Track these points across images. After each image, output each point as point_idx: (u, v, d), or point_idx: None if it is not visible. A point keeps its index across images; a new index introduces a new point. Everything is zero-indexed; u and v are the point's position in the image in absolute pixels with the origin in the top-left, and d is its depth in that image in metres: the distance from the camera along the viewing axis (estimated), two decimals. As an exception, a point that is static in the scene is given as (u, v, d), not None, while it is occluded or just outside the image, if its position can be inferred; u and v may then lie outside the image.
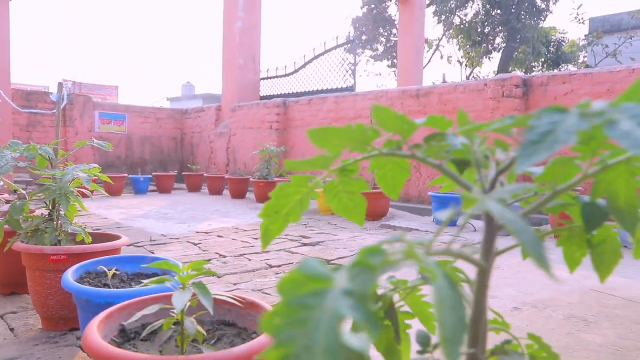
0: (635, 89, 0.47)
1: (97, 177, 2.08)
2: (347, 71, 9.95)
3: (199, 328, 1.07)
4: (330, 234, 4.51)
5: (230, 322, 1.31)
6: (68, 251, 1.91)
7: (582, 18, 16.83)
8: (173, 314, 1.12)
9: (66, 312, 1.96)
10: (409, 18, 14.39)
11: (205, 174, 9.07)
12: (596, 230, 0.70)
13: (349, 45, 9.88)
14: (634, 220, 0.66)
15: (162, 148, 11.84)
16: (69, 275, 1.62)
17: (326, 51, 10.24)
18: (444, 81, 20.36)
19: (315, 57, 10.47)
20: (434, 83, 16.50)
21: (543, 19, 19.85)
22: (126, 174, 8.95)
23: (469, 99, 6.62)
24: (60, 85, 2.48)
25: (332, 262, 3.41)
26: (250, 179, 7.62)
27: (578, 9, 15.38)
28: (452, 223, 5.21)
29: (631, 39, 15.03)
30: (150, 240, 4.12)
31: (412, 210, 6.25)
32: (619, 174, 0.65)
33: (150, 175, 9.21)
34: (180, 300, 1.04)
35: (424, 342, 0.72)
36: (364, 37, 25.29)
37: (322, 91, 10.24)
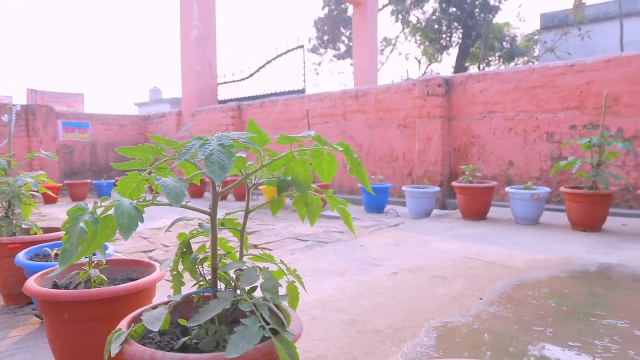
0: (250, 124, 1.05)
1: (44, 182, 2.60)
2: (298, 74, 10.51)
3: (102, 275, 1.63)
4: (268, 225, 5.09)
5: (134, 277, 1.87)
6: (21, 240, 2.43)
7: (523, 17, 17.75)
8: (85, 269, 1.67)
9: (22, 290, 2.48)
10: (362, 21, 15.06)
11: (165, 177, 9.51)
12: (285, 193, 1.27)
13: (298, 49, 10.44)
14: (306, 188, 1.24)
15: (125, 154, 12.21)
16: (21, 256, 2.15)
17: (277, 56, 10.80)
18: (408, 78, 21.08)
19: (268, 62, 11.01)
20: (392, 81, 17.18)
21: (493, 15, 20.57)
22: (90, 180, 9.35)
23: (400, 98, 7.26)
24: (10, 108, 2.99)
25: (259, 246, 3.99)
26: (207, 180, 8.11)
27: (519, 7, 16.31)
28: (380, 210, 5.85)
29: (566, 35, 15.96)
30: (105, 238, 4.62)
31: (353, 202, 6.87)
32: (298, 163, 1.23)
33: (113, 180, 9.63)
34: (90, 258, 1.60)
35: (194, 260, 1.29)
36: (325, 37, 25.93)
37: (276, 94, 10.79)
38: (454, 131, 6.77)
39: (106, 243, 2.06)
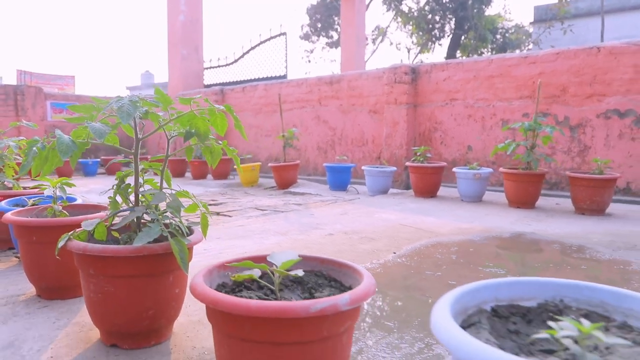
0: (156, 91, 1.48)
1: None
2: (280, 61, 10.90)
3: (64, 211, 2.07)
4: (236, 199, 5.53)
5: (93, 219, 2.31)
6: (3, 194, 2.86)
7: (509, 9, 18.18)
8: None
9: (6, 236, 2.91)
10: (350, 9, 15.39)
11: (149, 157, 9.91)
12: (191, 141, 1.70)
13: (281, 36, 10.81)
14: (205, 137, 1.68)
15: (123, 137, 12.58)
16: (3, 204, 2.59)
17: (261, 42, 11.18)
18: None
19: (252, 48, 11.39)
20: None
21: (486, 6, 20.71)
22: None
23: (371, 85, 7.69)
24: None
25: (220, 213, 4.44)
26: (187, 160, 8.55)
27: (504, 9, 16.83)
28: (343, 188, 6.30)
29: (550, 28, 16.42)
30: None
31: (321, 182, 7.32)
32: (199, 120, 1.66)
33: (99, 159, 10.03)
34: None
35: (124, 190, 1.72)
36: (318, 25, 26.18)
37: (258, 79, 11.19)
38: (419, 117, 7.21)
39: (75, 196, 2.51)
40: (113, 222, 1.65)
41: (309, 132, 8.67)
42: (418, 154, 5.67)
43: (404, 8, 22.65)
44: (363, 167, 5.98)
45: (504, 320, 0.85)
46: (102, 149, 12.11)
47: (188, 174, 9.22)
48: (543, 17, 20.28)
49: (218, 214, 4.40)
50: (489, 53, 21.67)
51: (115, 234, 1.67)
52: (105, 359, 1.50)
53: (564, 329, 0.68)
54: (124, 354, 1.54)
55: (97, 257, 1.46)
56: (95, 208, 2.30)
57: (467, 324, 0.82)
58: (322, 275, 1.34)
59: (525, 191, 4.72)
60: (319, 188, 6.37)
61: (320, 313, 0.98)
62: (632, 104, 5.38)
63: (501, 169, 4.96)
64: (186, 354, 1.55)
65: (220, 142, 1.73)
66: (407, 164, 5.73)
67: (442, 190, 5.86)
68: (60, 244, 1.50)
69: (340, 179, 6.15)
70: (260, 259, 1.27)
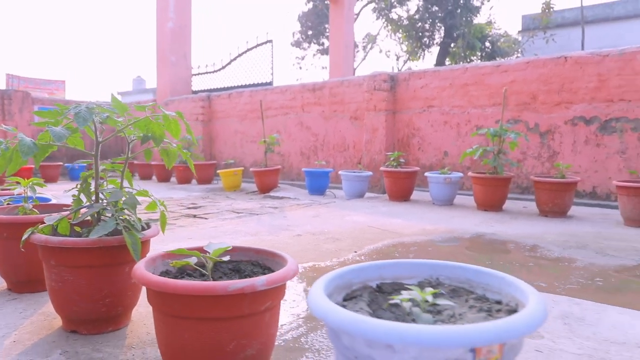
0: (113, 100, 1.64)
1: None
2: (267, 67, 11.08)
3: (34, 209, 2.21)
4: (216, 202, 5.68)
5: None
6: (-19, 195, 3.00)
7: (494, 19, 18.55)
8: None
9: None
10: (339, 18, 15.59)
11: (135, 162, 10.04)
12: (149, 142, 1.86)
13: (267, 44, 10.99)
14: (160, 141, 1.83)
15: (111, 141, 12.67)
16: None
17: (248, 50, 11.35)
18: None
19: (239, 55, 11.56)
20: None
21: (475, 15, 20.93)
22: (61, 163, 9.84)
23: (352, 92, 7.88)
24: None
25: (197, 215, 4.58)
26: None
27: (490, 9, 17.25)
28: (321, 192, 6.46)
29: (532, 37, 16.73)
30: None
31: (302, 186, 7.48)
32: (155, 125, 1.82)
33: (85, 164, 10.12)
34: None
35: (87, 188, 1.87)
36: (309, 32, 26.40)
37: (245, 86, 11.35)
38: (397, 123, 7.40)
39: (48, 196, 2.65)
40: (76, 218, 1.80)
41: (292, 138, 8.83)
42: (392, 159, 5.85)
43: (394, 16, 22.90)
44: (340, 172, 6.15)
45: (386, 295, 1.01)
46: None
47: (174, 179, 9.34)
48: (530, 26, 20.61)
49: (195, 216, 4.55)
50: (478, 61, 21.88)
51: (78, 229, 1.82)
52: (64, 343, 1.65)
53: (411, 295, 0.84)
54: (82, 339, 1.68)
55: (57, 248, 1.61)
56: (67, 207, 2.44)
57: (349, 297, 0.98)
58: (258, 264, 1.50)
59: (492, 195, 4.91)
60: (298, 192, 6.53)
61: (239, 292, 1.14)
62: (596, 112, 5.59)
63: (470, 174, 5.15)
64: (140, 339, 1.69)
65: (174, 144, 1.88)
66: (382, 168, 5.90)
67: (416, 195, 6.04)
68: (25, 236, 1.65)
69: (319, 184, 6.31)
70: (199, 249, 1.42)
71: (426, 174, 5.57)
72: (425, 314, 0.82)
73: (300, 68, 27.49)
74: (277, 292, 1.27)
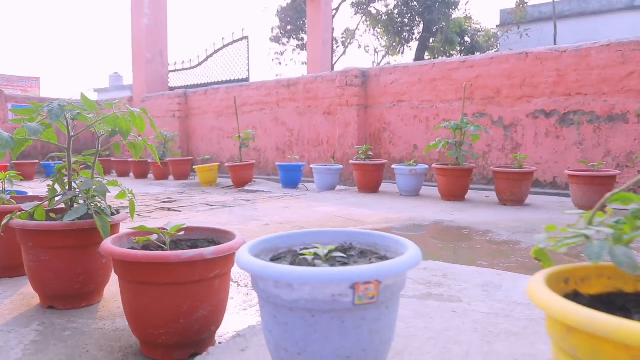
0: (83, 98, 1.83)
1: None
2: (243, 64, 11.22)
3: (12, 200, 2.39)
4: (191, 197, 5.86)
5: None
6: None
7: (469, 13, 18.95)
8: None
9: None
10: (317, 13, 15.74)
11: (112, 159, 10.13)
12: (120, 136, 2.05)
13: (243, 40, 11.14)
14: (127, 135, 2.02)
15: (78, 138, 12.71)
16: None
17: (224, 46, 11.48)
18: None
19: (215, 52, 11.68)
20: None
21: (453, 10, 21.17)
22: (37, 161, 9.89)
23: (325, 88, 8.09)
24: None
25: (171, 208, 4.77)
26: (149, 161, 8.81)
27: (466, 4, 17.60)
28: (294, 186, 6.68)
29: (507, 32, 17.15)
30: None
31: (278, 181, 7.69)
32: (121, 120, 2.01)
33: (62, 162, 10.18)
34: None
35: (60, 178, 2.06)
36: (289, 27, 26.49)
37: (222, 82, 11.47)
38: (369, 118, 7.64)
39: (27, 190, 2.82)
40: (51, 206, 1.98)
41: (268, 133, 9.02)
42: (360, 152, 6.09)
43: (373, 11, 23.10)
44: (311, 166, 6.37)
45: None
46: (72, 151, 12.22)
47: (151, 176, 9.46)
48: (508, 20, 21.03)
49: (169, 209, 4.73)
50: (458, 55, 22.19)
51: (53, 216, 2.01)
52: (42, 316, 1.84)
53: (315, 251, 1.07)
54: (58, 313, 1.88)
55: (34, 231, 1.80)
56: (42, 199, 2.62)
57: (276, 258, 1.20)
58: (213, 241, 1.71)
59: (455, 185, 5.17)
60: (272, 186, 6.73)
61: (189, 259, 1.35)
62: (556, 105, 5.90)
63: (433, 165, 5.41)
64: (111, 312, 1.89)
65: (140, 138, 2.08)
66: (351, 162, 6.14)
67: (385, 186, 6.28)
68: (4, 222, 1.83)
69: (292, 177, 6.53)
70: (160, 228, 1.63)
71: (393, 166, 5.82)
72: (325, 264, 1.04)
73: (280, 63, 27.54)
74: (225, 261, 1.48)
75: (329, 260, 1.08)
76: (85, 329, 1.71)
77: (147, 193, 6.37)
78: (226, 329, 1.67)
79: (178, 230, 1.55)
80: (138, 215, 4.29)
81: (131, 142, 2.06)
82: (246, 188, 6.52)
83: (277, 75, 36.61)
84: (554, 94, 5.92)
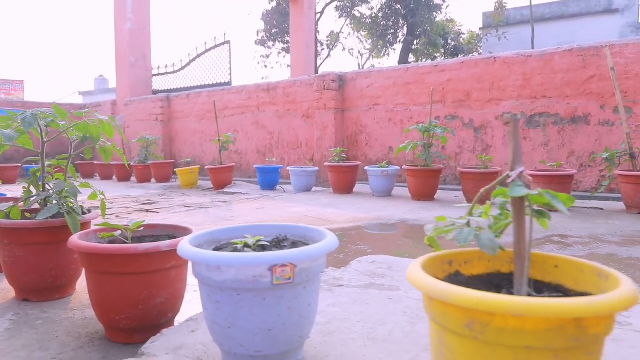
0: (55, 107, 2.00)
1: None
2: (225, 68, 11.38)
3: (-10, 202, 2.55)
4: (171, 199, 6.01)
5: (18, 210, 2.78)
6: (-58, 192, 3.29)
7: (450, 17, 19.32)
8: None
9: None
10: (300, 16, 15.91)
11: (95, 162, 10.23)
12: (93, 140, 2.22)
13: (225, 44, 11.29)
14: (97, 140, 2.19)
15: (62, 141, 12.75)
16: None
17: (206, 50, 11.63)
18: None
19: (198, 56, 11.82)
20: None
21: (436, 13, 21.44)
22: (19, 165, 9.95)
23: (304, 92, 8.28)
24: None
25: (150, 210, 4.93)
26: (132, 164, 8.93)
27: (447, 8, 18.01)
28: (272, 188, 6.86)
29: (487, 36, 17.49)
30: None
31: (257, 183, 7.86)
32: (92, 127, 2.18)
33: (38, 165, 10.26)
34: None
35: (35, 180, 2.22)
36: (274, 31, 26.64)
37: (204, 86, 11.62)
38: (346, 121, 7.84)
39: (5, 192, 2.97)
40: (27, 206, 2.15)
41: (249, 136, 9.19)
42: (334, 154, 6.29)
43: (357, 14, 23.32)
44: (288, 168, 6.56)
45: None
46: (51, 154, 12.26)
47: (134, 179, 9.57)
48: (490, 23, 21.38)
49: (147, 211, 4.88)
50: (442, 58, 22.46)
51: (28, 215, 2.17)
52: (17, 308, 2.00)
53: (245, 240, 1.26)
54: (32, 305, 2.04)
55: (9, 229, 1.97)
56: (18, 200, 2.77)
57: (217, 249, 1.38)
58: (174, 237, 1.89)
59: (424, 185, 5.39)
60: (251, 188, 6.91)
61: (146, 251, 1.53)
62: (522, 107, 6.14)
63: (404, 166, 5.62)
64: (82, 304, 2.06)
65: (110, 143, 2.25)
66: (325, 164, 6.34)
67: (359, 187, 6.49)
68: (-19, 221, 2.00)
69: (269, 179, 6.71)
70: (124, 225, 1.80)
71: (366, 167, 6.02)
72: (252, 251, 1.23)
73: (266, 66, 27.66)
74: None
75: (257, 248, 1.27)
76: (56, 318, 1.88)
77: (128, 195, 6.51)
78: (185, 316, 1.85)
79: (139, 226, 1.73)
80: (116, 216, 4.45)
81: (101, 147, 2.23)
82: (225, 190, 6.69)
83: (262, 78, 36.63)
84: (521, 96, 6.17)
